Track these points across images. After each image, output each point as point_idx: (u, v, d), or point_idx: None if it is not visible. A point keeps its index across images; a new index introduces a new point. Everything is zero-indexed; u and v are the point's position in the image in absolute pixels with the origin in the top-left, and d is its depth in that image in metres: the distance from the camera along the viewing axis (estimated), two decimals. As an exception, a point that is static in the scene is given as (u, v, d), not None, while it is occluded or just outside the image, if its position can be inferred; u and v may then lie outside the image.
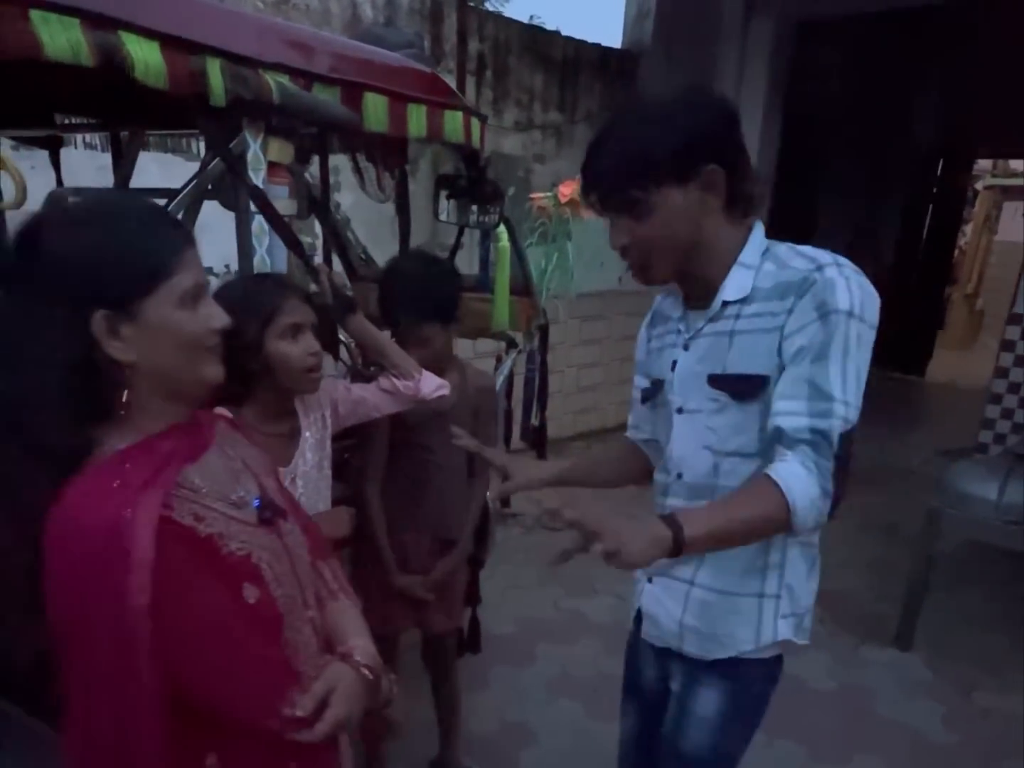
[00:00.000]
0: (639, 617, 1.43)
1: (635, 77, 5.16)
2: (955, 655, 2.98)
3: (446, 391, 1.66)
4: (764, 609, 1.25)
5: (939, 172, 8.50)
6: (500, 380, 2.40)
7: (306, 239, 1.83)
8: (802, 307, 1.09)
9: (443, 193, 2.17)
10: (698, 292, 1.23)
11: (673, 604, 1.32)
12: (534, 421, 2.50)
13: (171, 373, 0.86)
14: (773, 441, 1.10)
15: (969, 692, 2.77)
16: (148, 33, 1.16)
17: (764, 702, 1.35)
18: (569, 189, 2.58)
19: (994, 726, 2.57)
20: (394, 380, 1.58)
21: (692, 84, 1.20)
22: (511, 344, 2.42)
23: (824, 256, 1.12)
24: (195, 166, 1.47)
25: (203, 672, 0.84)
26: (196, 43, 1.24)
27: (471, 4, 4.50)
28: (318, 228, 2.20)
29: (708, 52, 5.49)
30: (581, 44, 4.87)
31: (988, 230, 13.10)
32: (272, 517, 0.97)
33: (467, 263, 2.50)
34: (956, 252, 10.79)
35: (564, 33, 4.86)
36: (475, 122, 1.87)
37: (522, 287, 2.35)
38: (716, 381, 1.19)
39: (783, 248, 1.18)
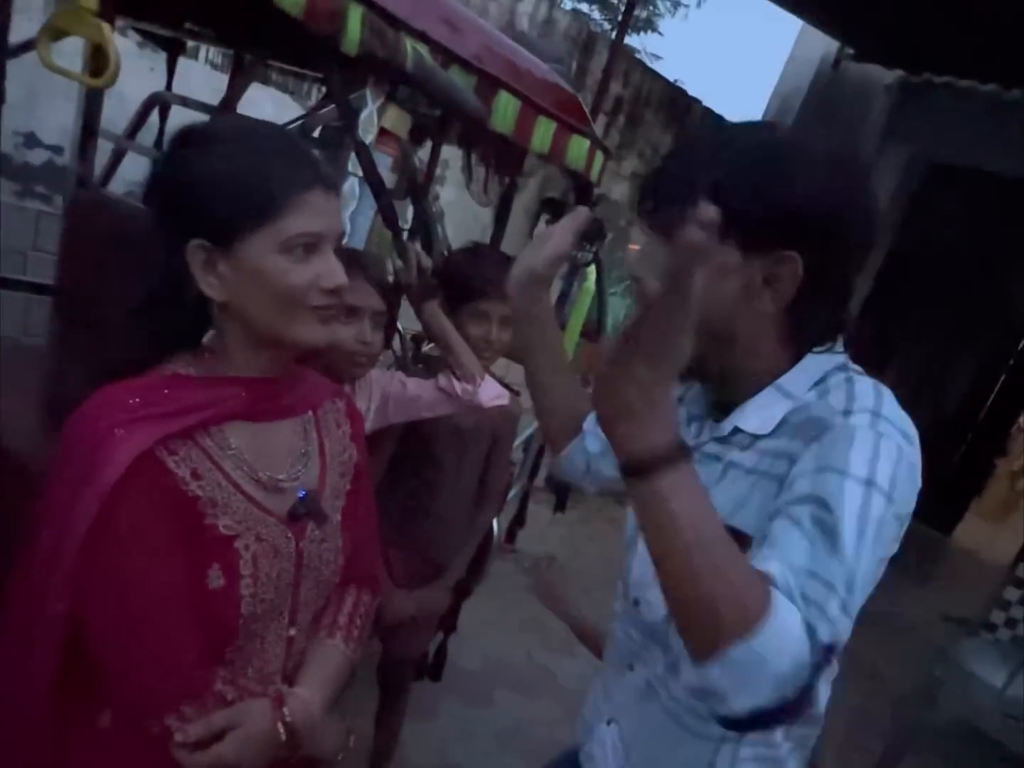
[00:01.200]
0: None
1: (762, 165, 5.07)
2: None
3: (505, 401, 1.53)
4: None
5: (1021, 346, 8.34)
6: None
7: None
8: (807, 454, 0.80)
9: (544, 216, 2.08)
10: (723, 399, 0.94)
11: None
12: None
13: (261, 323, 0.78)
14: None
15: None
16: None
17: None
18: (670, 251, 2.48)
19: None
20: (454, 381, 1.45)
21: (844, 147, 0.86)
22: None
23: (867, 399, 0.82)
24: (309, 112, 1.40)
25: (106, 632, 0.73)
26: (344, -18, 1.16)
27: (626, 48, 4.48)
28: (408, 214, 2.13)
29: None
30: (718, 118, 4.81)
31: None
32: (303, 516, 0.84)
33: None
34: (1015, 426, 10.50)
35: (705, 104, 4.81)
36: (599, 155, 1.78)
37: (594, 332, 2.25)
38: None
39: (840, 378, 0.87)
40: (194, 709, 0.74)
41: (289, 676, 0.86)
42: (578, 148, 1.69)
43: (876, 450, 0.77)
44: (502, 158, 1.73)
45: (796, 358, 0.89)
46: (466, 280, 1.56)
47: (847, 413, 0.80)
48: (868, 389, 0.84)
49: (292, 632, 0.86)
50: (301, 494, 0.83)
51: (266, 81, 2.06)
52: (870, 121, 5.33)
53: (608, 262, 2.76)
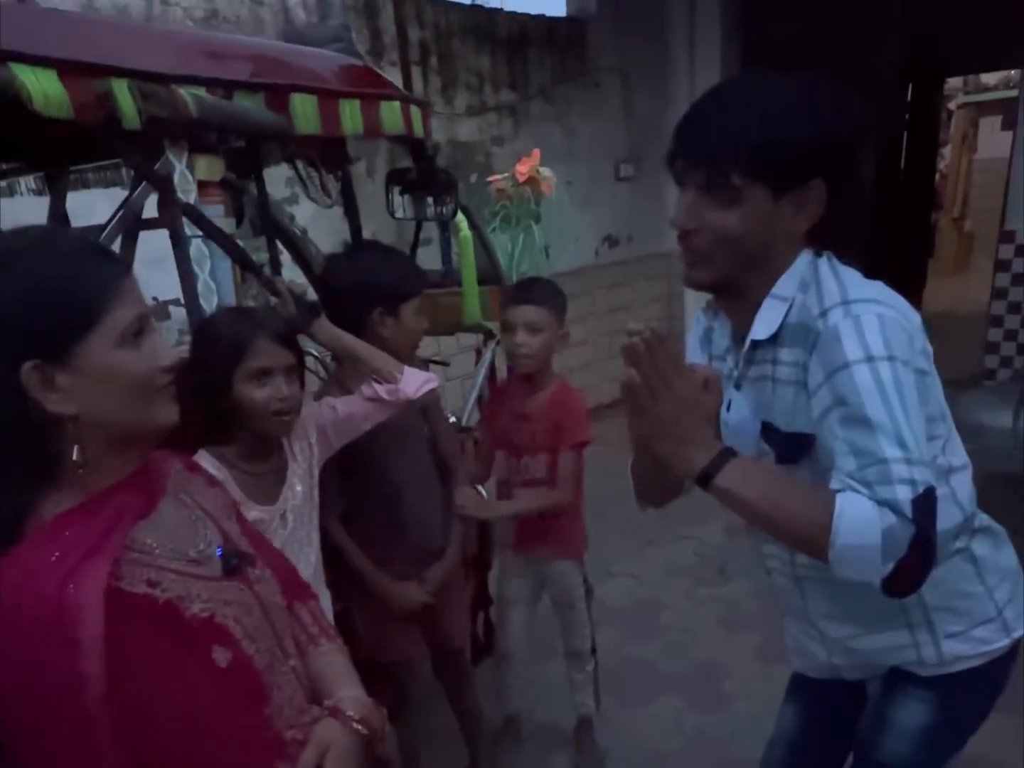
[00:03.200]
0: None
1: (584, 45, 5.05)
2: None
3: (434, 384, 1.57)
4: (918, 636, 1.11)
5: (909, 97, 8.36)
6: (481, 372, 2.34)
7: (262, 256, 1.75)
8: (812, 366, 0.95)
9: (395, 189, 2.09)
10: (739, 319, 1.09)
11: (817, 647, 1.23)
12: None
13: (120, 422, 0.77)
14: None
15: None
16: (40, 61, 1.09)
17: (976, 715, 1.19)
18: (526, 167, 2.50)
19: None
20: (376, 386, 1.49)
21: (818, 79, 1.00)
22: (489, 335, 2.35)
23: (833, 293, 0.96)
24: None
25: (175, 754, 0.75)
26: (96, 65, 1.16)
27: (407, -8, 4.39)
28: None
29: (657, 7, 5.39)
30: (526, 18, 4.77)
31: (967, 150, 12.94)
32: (239, 565, 0.89)
33: (434, 258, 2.42)
34: (937, 176, 10.67)
35: (507, 9, 4.76)
36: (415, 110, 1.79)
37: (491, 275, 2.28)
38: (767, 433, 1.06)
39: (824, 270, 1.01)
40: (285, 764, 0.80)
41: (316, 699, 0.93)
42: (390, 113, 1.70)
43: (859, 331, 0.90)
44: (326, 155, 1.74)
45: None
46: (382, 286, 1.60)
47: (823, 314, 0.95)
48: (831, 282, 0.99)
49: (292, 663, 0.92)
50: (219, 551, 0.88)
51: (86, 185, 2.02)
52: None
53: (478, 202, 2.78)
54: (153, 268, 1.79)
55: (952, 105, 12.14)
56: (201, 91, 1.32)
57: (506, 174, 2.59)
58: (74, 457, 0.75)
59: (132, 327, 0.77)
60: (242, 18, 3.37)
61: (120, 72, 1.19)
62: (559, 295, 1.92)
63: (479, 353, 2.45)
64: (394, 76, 3.28)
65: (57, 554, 0.70)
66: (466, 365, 1.89)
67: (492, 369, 2.35)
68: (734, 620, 2.85)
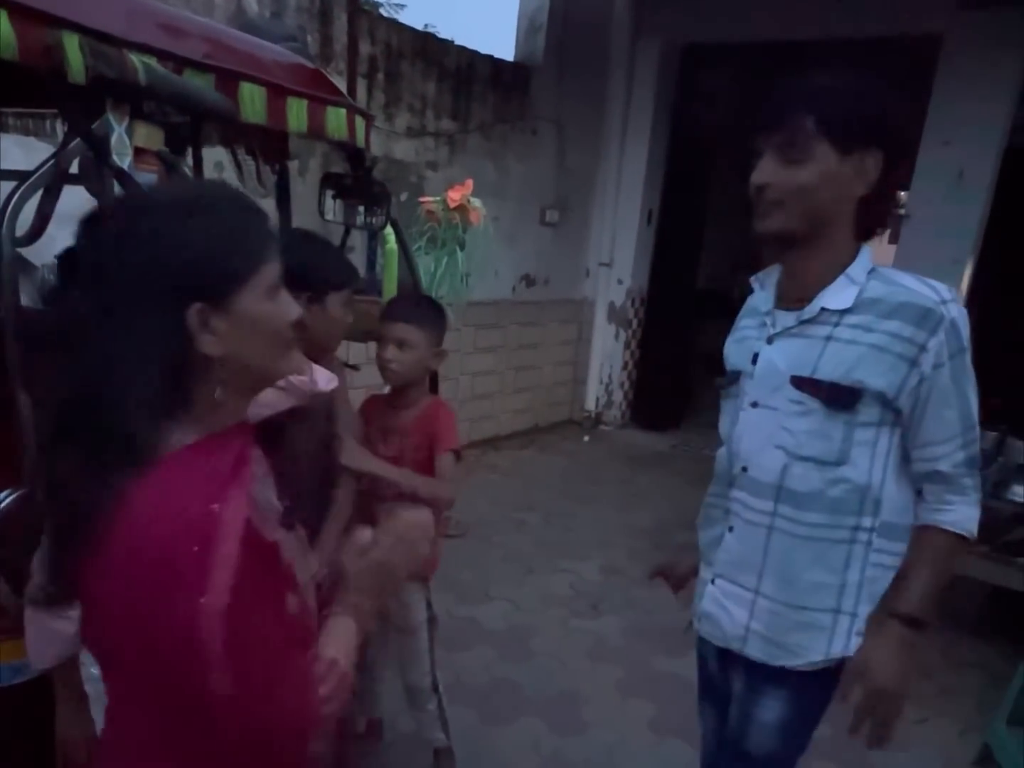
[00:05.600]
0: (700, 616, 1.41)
1: (528, 90, 5.26)
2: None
3: (336, 383, 1.60)
4: (838, 624, 1.25)
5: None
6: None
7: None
8: (937, 346, 1.14)
9: (329, 192, 2.12)
10: (794, 290, 1.25)
11: (738, 609, 1.31)
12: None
13: (255, 367, 0.85)
14: (926, 481, 1.22)
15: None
16: (-5, 1, 1.08)
17: (824, 706, 1.33)
18: (458, 194, 2.59)
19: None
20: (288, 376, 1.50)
21: (878, 73, 1.19)
22: (400, 347, 2.40)
23: (943, 289, 1.16)
24: (59, 151, 1.38)
25: (255, 688, 0.76)
26: (51, 15, 1.16)
27: (364, 7, 4.46)
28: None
29: (599, 69, 5.69)
30: (475, 55, 4.92)
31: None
32: (292, 520, 0.91)
33: (357, 266, 2.45)
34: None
35: (458, 43, 4.90)
36: (359, 120, 1.85)
37: (410, 291, 2.34)
38: (804, 384, 1.20)
39: (889, 270, 1.22)
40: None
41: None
42: (336, 118, 1.75)
43: (966, 323, 1.16)
44: (266, 146, 1.76)
45: (855, 251, 1.21)
46: (313, 271, 1.57)
47: (945, 303, 1.14)
48: (935, 280, 1.19)
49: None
50: (287, 504, 0.90)
51: (4, 129, 1.95)
52: (616, 21, 5.62)
53: (407, 221, 2.84)
54: (62, 227, 1.75)
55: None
56: (152, 61, 1.32)
57: (438, 197, 2.67)
58: (216, 395, 0.81)
59: (278, 281, 0.85)
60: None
61: (73, 26, 1.19)
62: (438, 315, 1.93)
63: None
64: (340, 84, 3.32)
65: (204, 474, 0.75)
66: (375, 376, 1.92)
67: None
68: (600, 653, 2.95)
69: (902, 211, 4.46)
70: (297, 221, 2.06)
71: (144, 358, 0.75)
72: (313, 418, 1.71)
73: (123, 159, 1.33)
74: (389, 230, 2.19)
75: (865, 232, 1.23)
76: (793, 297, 1.26)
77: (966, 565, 2.74)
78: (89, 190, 1.39)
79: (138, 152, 1.36)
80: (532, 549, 3.82)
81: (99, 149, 1.29)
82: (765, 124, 1.20)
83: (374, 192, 2.08)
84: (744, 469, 1.29)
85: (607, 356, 6.20)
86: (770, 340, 1.26)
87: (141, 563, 0.71)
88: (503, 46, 5.45)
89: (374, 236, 2.31)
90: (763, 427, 1.26)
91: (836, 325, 1.19)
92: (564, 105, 5.48)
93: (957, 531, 1.19)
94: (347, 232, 2.28)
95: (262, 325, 0.83)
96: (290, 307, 0.88)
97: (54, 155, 1.30)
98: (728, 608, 1.33)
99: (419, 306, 1.94)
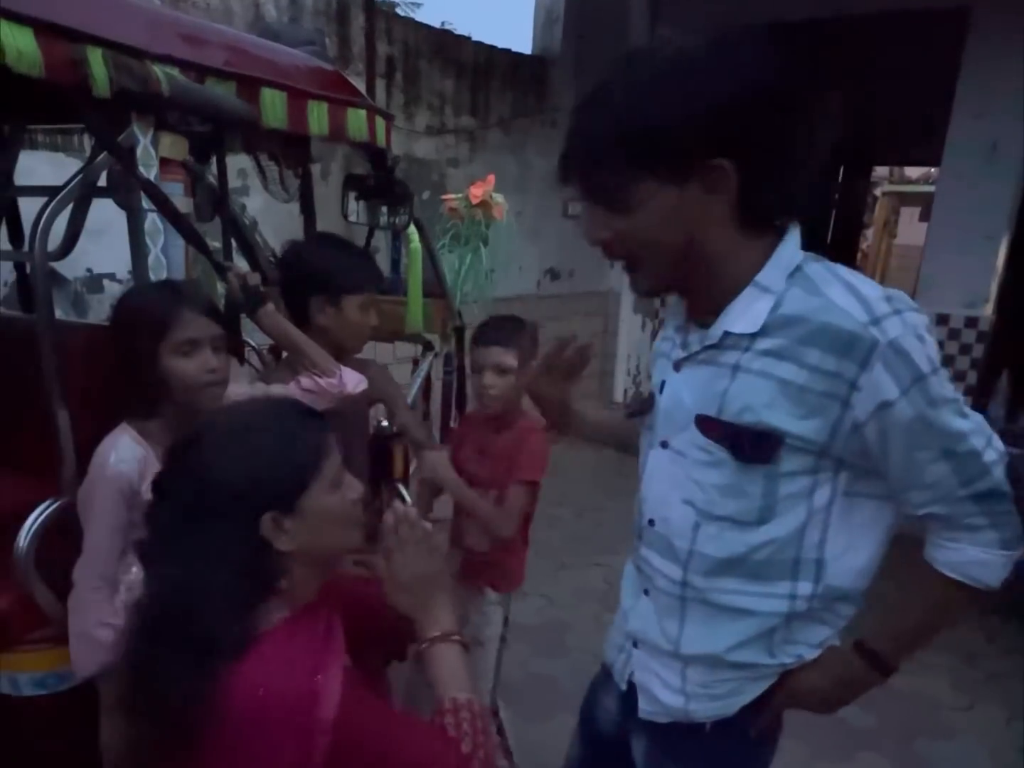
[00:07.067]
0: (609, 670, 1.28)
1: (546, 83, 5.23)
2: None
3: (365, 384, 1.62)
4: (781, 660, 1.03)
5: (840, 177, 8.91)
6: (416, 383, 2.38)
7: (213, 244, 1.76)
8: (872, 384, 0.84)
9: (352, 194, 2.13)
10: (706, 306, 0.96)
11: (670, 675, 1.08)
12: (453, 424, 2.49)
13: (326, 551, 0.95)
14: (922, 519, 0.93)
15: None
16: (20, 19, 1.09)
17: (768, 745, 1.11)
18: (480, 190, 2.58)
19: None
20: (316, 379, 1.52)
21: (723, 31, 0.86)
22: (427, 347, 2.40)
23: (877, 301, 0.84)
24: (88, 166, 1.40)
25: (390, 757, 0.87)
26: (75, 31, 1.17)
27: (381, 7, 4.47)
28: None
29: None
30: (492, 49, 4.90)
31: (888, 234, 13.90)
32: None
33: (380, 266, 2.46)
34: (859, 255, 11.36)
35: (475, 39, 4.89)
36: (380, 121, 1.85)
37: (435, 289, 2.34)
38: (709, 427, 0.93)
39: (819, 269, 0.90)
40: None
41: None
42: (356, 120, 1.75)
43: (920, 339, 0.84)
44: (288, 151, 1.77)
45: (770, 246, 0.91)
46: (328, 274, 1.62)
47: (877, 322, 0.83)
48: (866, 285, 0.87)
49: None
50: None
51: (34, 146, 1.98)
52: (634, 9, 5.55)
53: (429, 219, 2.83)
54: (92, 240, 1.78)
55: (878, 192, 13.04)
56: (175, 71, 1.34)
57: (460, 194, 2.66)
58: (296, 576, 0.91)
59: (339, 474, 0.94)
60: (212, 5, 3.36)
61: (97, 40, 1.21)
62: (528, 336, 1.91)
63: (416, 364, 2.49)
64: (359, 86, 3.33)
65: (300, 649, 0.86)
66: (402, 375, 1.92)
67: (428, 381, 2.39)
68: (635, 648, 2.93)
69: (932, 188, 4.35)
70: (321, 224, 2.07)
71: (227, 567, 0.84)
72: (343, 419, 1.74)
73: (150, 170, 1.34)
74: (412, 229, 2.19)
75: (763, 226, 0.92)
76: (702, 309, 0.97)
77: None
78: (118, 202, 1.41)
79: (163, 162, 1.38)
80: (564, 544, 3.81)
81: (126, 161, 1.31)
82: (567, 164, 0.93)
83: (396, 192, 2.08)
84: (651, 523, 1.05)
85: (634, 347, 6.16)
86: (677, 366, 1.00)
87: (259, 740, 0.80)
88: (520, 39, 5.40)
89: (398, 236, 2.32)
90: (672, 475, 1.00)
91: (745, 350, 0.90)
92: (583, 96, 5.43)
93: (955, 576, 0.91)
94: (371, 233, 2.29)
95: (329, 515, 0.92)
96: (351, 488, 0.97)
97: (82, 169, 1.31)
98: (660, 674, 1.10)
99: (510, 329, 1.90)
